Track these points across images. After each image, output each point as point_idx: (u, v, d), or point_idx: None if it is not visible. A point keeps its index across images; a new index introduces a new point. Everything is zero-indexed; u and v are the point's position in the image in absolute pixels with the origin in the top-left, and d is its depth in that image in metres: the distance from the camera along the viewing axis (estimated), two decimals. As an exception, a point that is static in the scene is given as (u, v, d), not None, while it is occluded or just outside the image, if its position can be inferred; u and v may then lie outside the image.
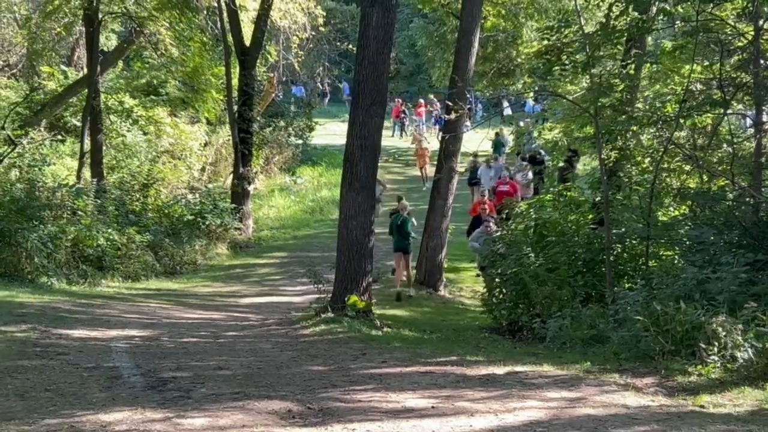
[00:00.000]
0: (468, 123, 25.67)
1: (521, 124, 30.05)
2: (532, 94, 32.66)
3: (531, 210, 16.85)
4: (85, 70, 27.89)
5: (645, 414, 7.12)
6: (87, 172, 23.72)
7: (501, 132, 32.46)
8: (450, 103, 15.68)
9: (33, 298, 15.43)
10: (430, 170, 27.52)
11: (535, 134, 25.70)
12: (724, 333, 8.71)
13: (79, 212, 20.56)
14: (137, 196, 24.41)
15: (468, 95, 20.31)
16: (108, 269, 20.07)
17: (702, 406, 7.40)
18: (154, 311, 15.86)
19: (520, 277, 14.57)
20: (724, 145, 14.35)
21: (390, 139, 39.87)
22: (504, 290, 15.48)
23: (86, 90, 25.31)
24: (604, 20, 14.09)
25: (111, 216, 21.66)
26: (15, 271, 17.83)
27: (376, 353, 10.83)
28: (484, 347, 12.19)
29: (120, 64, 32.47)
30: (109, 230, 20.54)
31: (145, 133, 28.50)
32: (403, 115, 44.17)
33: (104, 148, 24.73)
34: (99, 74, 24.94)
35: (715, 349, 8.68)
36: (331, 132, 40.52)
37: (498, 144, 31.59)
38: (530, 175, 24.79)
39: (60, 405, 7.41)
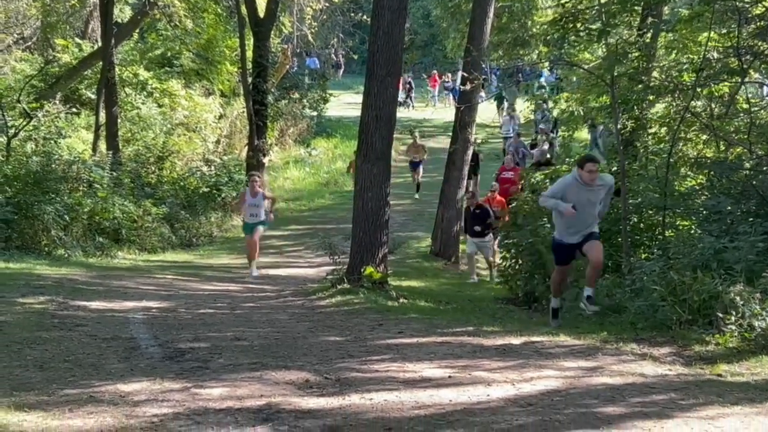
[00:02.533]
0: (483, 94, 25.62)
1: (537, 92, 30.05)
2: (547, 64, 32.50)
3: (547, 181, 16.80)
4: (100, 42, 27.84)
5: (662, 383, 7.11)
6: (102, 145, 23.77)
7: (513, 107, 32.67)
8: (465, 74, 15.61)
9: (50, 270, 15.50)
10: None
11: (551, 104, 25.63)
12: (741, 302, 8.68)
13: (95, 185, 20.62)
14: (152, 168, 24.49)
15: (483, 65, 20.22)
16: (124, 241, 20.16)
17: (719, 375, 7.38)
18: (170, 283, 15.91)
19: (536, 247, 14.54)
20: (742, 114, 14.25)
21: (403, 111, 39.77)
22: (520, 261, 15.46)
23: (101, 62, 25.31)
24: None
25: (127, 188, 21.72)
26: (32, 244, 17.91)
27: (393, 324, 10.83)
28: (500, 318, 12.19)
29: (134, 36, 32.41)
30: (125, 203, 20.61)
31: (159, 106, 28.49)
32: (408, 87, 44.08)
33: (119, 120, 24.72)
34: (113, 47, 24.92)
35: (733, 318, 8.66)
36: (346, 103, 40.45)
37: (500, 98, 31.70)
38: (546, 146, 24.73)
39: (79, 375, 7.44)
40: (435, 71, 47.45)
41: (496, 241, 18.64)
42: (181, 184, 24.52)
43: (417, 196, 27.25)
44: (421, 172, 27.94)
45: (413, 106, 44.08)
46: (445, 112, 39.27)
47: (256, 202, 17.66)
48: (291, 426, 5.91)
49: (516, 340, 9.32)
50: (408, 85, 44.26)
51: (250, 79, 26.66)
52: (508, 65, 33.49)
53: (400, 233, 21.28)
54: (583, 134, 24.93)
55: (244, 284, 16.49)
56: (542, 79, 37.58)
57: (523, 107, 32.95)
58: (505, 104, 35.73)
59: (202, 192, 24.52)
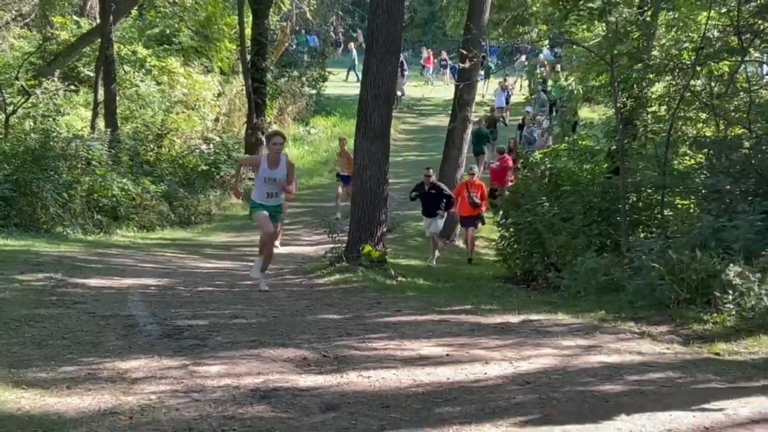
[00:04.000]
0: (482, 72, 25.57)
1: (538, 70, 30.01)
2: (547, 43, 32.41)
3: (546, 159, 16.79)
4: (98, 19, 27.74)
5: (660, 361, 7.12)
6: (101, 123, 23.70)
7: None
8: (464, 52, 15.56)
9: (49, 247, 15.49)
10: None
11: (551, 83, 25.60)
12: (739, 281, 8.69)
13: (94, 162, 20.59)
14: (151, 146, 24.47)
15: (482, 44, 20.15)
16: (123, 219, 20.16)
17: (717, 354, 7.39)
18: (169, 261, 15.91)
19: (535, 226, 14.56)
20: (741, 93, 14.22)
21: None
22: (519, 240, 15.47)
23: (99, 40, 25.21)
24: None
25: (125, 166, 21.70)
26: (31, 221, 17.89)
27: (391, 302, 10.84)
28: (498, 296, 12.20)
29: (133, 13, 32.28)
30: (124, 180, 20.60)
31: (158, 83, 28.41)
32: (402, 68, 43.98)
33: (118, 98, 24.64)
34: (112, 24, 24.80)
35: (731, 297, 8.67)
36: (346, 83, 40.37)
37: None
38: (545, 123, 24.70)
39: (77, 353, 7.44)
40: (430, 51, 47.32)
41: (472, 229, 18.93)
42: (180, 162, 24.50)
43: (339, 215, 20.90)
44: (348, 191, 20.15)
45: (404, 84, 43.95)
46: (443, 90, 39.15)
47: (275, 175, 11.94)
48: (288, 403, 5.92)
49: (514, 319, 9.33)
50: (401, 64, 44.12)
51: (248, 57, 26.60)
52: (507, 44, 33.42)
53: (398, 212, 21.29)
54: (583, 113, 24.88)
55: (242, 262, 16.49)
56: (541, 56, 37.57)
57: (515, 84, 33.19)
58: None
59: (201, 170, 24.51)
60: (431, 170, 18.70)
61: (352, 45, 46.43)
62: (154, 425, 5.43)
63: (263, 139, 25.27)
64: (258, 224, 12.77)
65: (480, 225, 19.54)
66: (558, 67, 32.03)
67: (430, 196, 18.29)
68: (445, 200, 18.21)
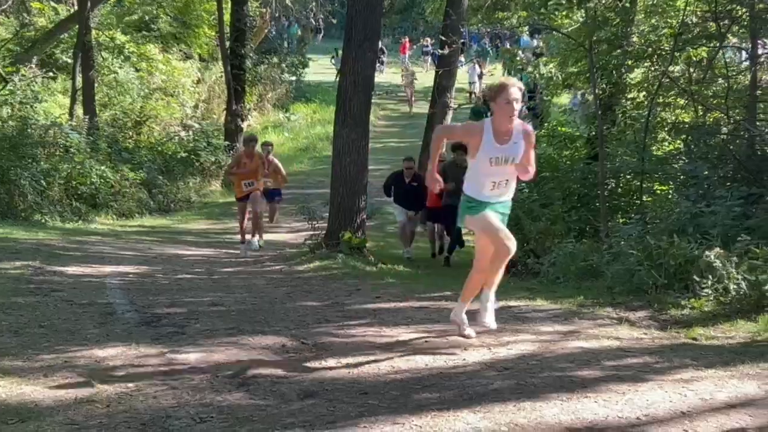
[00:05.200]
0: (462, 58, 25.56)
1: (519, 57, 30.01)
2: (527, 29, 32.42)
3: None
4: (76, 5, 27.54)
5: (637, 347, 7.14)
6: (79, 110, 23.56)
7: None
8: (444, 38, 15.54)
9: (27, 235, 15.41)
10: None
11: (530, 69, 25.57)
12: (717, 266, 8.72)
13: (72, 150, 20.47)
14: (130, 133, 24.37)
15: (462, 29, 20.12)
16: (101, 207, 20.07)
17: (694, 339, 7.42)
18: (148, 248, 15.86)
19: (514, 212, 14.53)
20: (720, 79, 14.26)
21: (381, 75, 39.63)
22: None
23: (77, 26, 25.03)
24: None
25: (104, 154, 21.59)
26: (8, 209, 17.79)
27: (370, 289, 10.84)
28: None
29: (111, -1, 32.12)
30: (103, 168, 20.50)
31: (137, 70, 28.26)
32: (380, 53, 44.00)
33: (96, 85, 24.51)
34: (90, 10, 24.63)
35: (708, 282, 8.69)
36: (325, 68, 40.26)
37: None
38: (524, 110, 24.70)
39: (54, 341, 7.40)
40: (406, 38, 47.31)
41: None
42: (159, 149, 24.41)
43: (261, 243, 16.76)
44: (277, 210, 19.36)
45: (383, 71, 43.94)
46: (422, 77, 39.11)
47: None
48: (267, 390, 5.91)
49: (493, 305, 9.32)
50: (381, 51, 44.12)
51: (228, 44, 26.48)
52: (487, 29, 33.50)
53: (378, 198, 21.25)
54: (563, 99, 24.91)
55: (222, 249, 16.45)
56: (521, 44, 37.72)
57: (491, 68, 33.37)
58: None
59: (180, 157, 24.42)
60: (413, 160, 17.18)
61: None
62: (131, 413, 5.41)
63: (242, 126, 25.20)
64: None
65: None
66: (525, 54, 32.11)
67: (410, 190, 16.35)
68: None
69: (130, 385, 6.00)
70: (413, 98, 32.89)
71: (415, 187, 16.09)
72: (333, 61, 41.35)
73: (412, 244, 16.95)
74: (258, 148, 16.72)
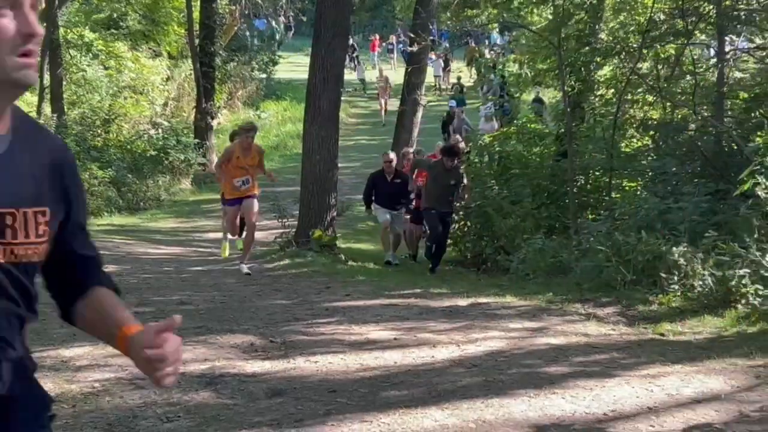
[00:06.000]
0: (432, 55, 25.59)
1: (487, 56, 30.14)
2: (497, 26, 32.51)
3: (495, 143, 16.82)
4: (43, 3, 27.30)
5: (605, 342, 7.18)
6: (47, 108, 23.35)
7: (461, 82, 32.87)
8: (413, 35, 15.53)
9: (-7, 235, 15.25)
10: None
11: (500, 66, 25.67)
12: (684, 262, 8.78)
13: (40, 148, 20.28)
14: (99, 131, 24.12)
15: (431, 27, 20.13)
16: (70, 206, 19.90)
17: (662, 335, 7.47)
18: (116, 247, 15.74)
19: (484, 209, 14.57)
20: (687, 76, 14.35)
21: (352, 73, 39.63)
22: (468, 223, 15.49)
23: (45, 24, 24.83)
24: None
25: (72, 152, 21.39)
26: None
27: (340, 286, 10.83)
28: (448, 280, 12.23)
29: (79, -4, 31.87)
30: (71, 166, 20.33)
31: (105, 68, 28.05)
32: (353, 50, 44.03)
33: (64, 83, 24.29)
34: (57, 7, 24.42)
35: (676, 278, 8.75)
36: (296, 66, 40.14)
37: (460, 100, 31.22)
38: (492, 108, 24.79)
39: (20, 341, 7.34)
40: (376, 35, 47.33)
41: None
42: (128, 147, 24.21)
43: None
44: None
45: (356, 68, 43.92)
46: (393, 74, 39.12)
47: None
48: (234, 389, 5.89)
49: (463, 302, 9.35)
50: (353, 48, 44.15)
51: (197, 41, 26.35)
52: (457, 27, 33.56)
53: (349, 196, 21.20)
54: (532, 97, 25.01)
55: (191, 248, 16.37)
56: (492, 41, 37.93)
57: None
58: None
59: (150, 155, 24.24)
60: (392, 154, 15.54)
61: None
62: (98, 413, 5.38)
63: (212, 124, 25.09)
64: None
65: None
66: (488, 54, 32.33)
67: (394, 188, 14.78)
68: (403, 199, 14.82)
69: (97, 385, 5.96)
70: (387, 106, 32.50)
71: (399, 184, 14.73)
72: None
73: (397, 248, 15.22)
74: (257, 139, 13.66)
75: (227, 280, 11.67)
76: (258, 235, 18.07)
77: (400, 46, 42.47)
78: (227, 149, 13.55)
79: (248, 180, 12.55)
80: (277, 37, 42.86)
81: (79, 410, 5.42)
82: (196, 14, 26.49)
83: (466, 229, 15.58)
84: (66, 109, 23.73)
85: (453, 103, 28.08)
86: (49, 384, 5.92)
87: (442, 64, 38.76)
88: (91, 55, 28.14)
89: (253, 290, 10.61)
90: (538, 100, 23.80)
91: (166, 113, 29.47)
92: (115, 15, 30.76)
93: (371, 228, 19.70)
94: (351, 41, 43.67)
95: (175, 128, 26.34)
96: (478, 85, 28.03)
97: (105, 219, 20.21)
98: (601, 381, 5.94)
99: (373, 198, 15.00)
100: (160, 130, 26.08)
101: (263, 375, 6.25)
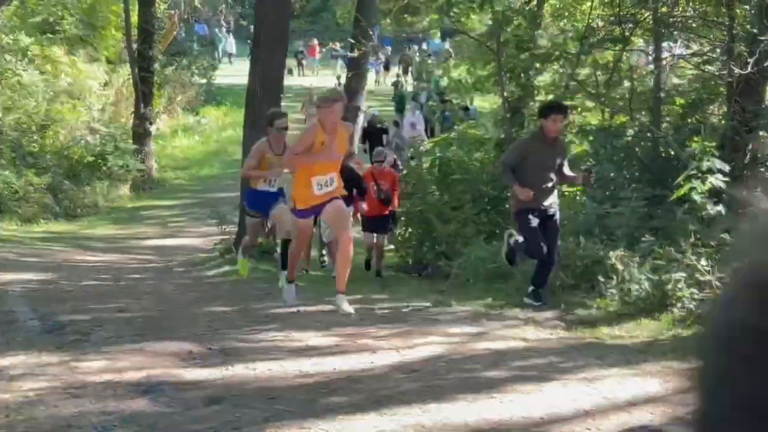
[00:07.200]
0: (372, 61, 25.58)
1: (430, 60, 30.25)
2: (438, 33, 32.68)
3: (436, 149, 16.86)
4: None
5: (543, 347, 7.23)
6: (-19, 114, 22.99)
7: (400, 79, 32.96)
8: (353, 41, 15.52)
9: (-74, 243, 14.99)
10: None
11: (439, 72, 25.70)
12: (622, 267, 8.86)
13: (-26, 154, 19.98)
14: (35, 137, 23.79)
15: (372, 33, 20.13)
16: (5, 212, 19.58)
17: (599, 339, 7.53)
18: (53, 254, 15.54)
19: (425, 215, 14.60)
20: (625, 82, 14.50)
21: (293, 78, 39.54)
22: (410, 229, 15.51)
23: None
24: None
25: (7, 158, 21.08)
26: None
27: (281, 293, 10.75)
28: (389, 285, 12.22)
29: (14, 1, 31.34)
30: (6, 173, 20.03)
31: (42, 73, 27.65)
32: (300, 56, 44.09)
33: (-1, 87, 23.96)
34: (-8, 12, 24.07)
35: (614, 282, 8.83)
36: (236, 71, 39.95)
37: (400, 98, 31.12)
38: (417, 114, 24.92)
39: (-47, 350, 7.21)
40: (315, 41, 47.37)
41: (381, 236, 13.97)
42: (65, 153, 23.93)
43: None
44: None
45: (303, 74, 43.90)
46: (332, 79, 39.14)
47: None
48: (172, 397, 5.82)
49: (403, 308, 9.34)
50: (301, 54, 44.20)
51: (135, 46, 26.11)
52: (397, 32, 33.72)
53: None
54: (478, 102, 25.09)
55: (129, 255, 16.18)
56: (428, 46, 38.20)
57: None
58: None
59: (87, 161, 23.98)
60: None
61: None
62: (31, 422, 5.29)
63: (151, 130, 24.81)
64: None
65: (392, 229, 14.56)
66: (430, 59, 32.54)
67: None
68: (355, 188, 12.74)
69: (31, 394, 5.86)
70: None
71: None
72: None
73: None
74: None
75: (166, 288, 11.57)
76: (197, 241, 18.04)
77: (342, 51, 42.61)
78: (257, 148, 10.20)
79: (333, 178, 8.62)
80: (220, 47, 42.71)
81: (13, 420, 5.32)
82: (134, 18, 26.26)
83: (407, 234, 15.61)
84: (1, 115, 23.35)
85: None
86: (-19, 394, 5.82)
87: (382, 69, 39.75)
88: (26, 59, 27.72)
89: (192, 297, 10.52)
90: (464, 108, 23.94)
91: (104, 119, 29.11)
92: (51, 19, 30.35)
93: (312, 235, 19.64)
94: (299, 47, 43.91)
95: (113, 134, 26.05)
96: (417, 91, 28.10)
97: (41, 226, 19.93)
98: (539, 385, 5.97)
99: None
100: (97, 136, 25.77)
101: (201, 383, 6.19)
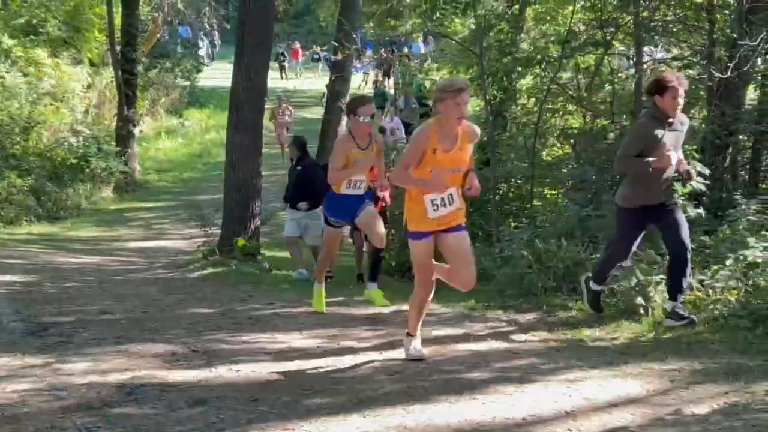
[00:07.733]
0: (357, 64, 25.64)
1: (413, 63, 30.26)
2: (421, 36, 32.72)
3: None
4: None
5: (525, 348, 7.28)
6: (-36, 115, 22.91)
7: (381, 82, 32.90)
8: (337, 44, 15.57)
9: None
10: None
11: (421, 75, 25.79)
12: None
13: (-44, 156, 19.92)
14: (17, 139, 23.71)
15: (355, 36, 20.18)
16: (-13, 214, 19.55)
17: (581, 340, 7.58)
18: (36, 256, 15.51)
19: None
20: (606, 85, 14.60)
21: (278, 81, 39.58)
22: (392, 231, 15.54)
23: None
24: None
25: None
26: None
27: (264, 295, 10.79)
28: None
29: (-3, 3, 31.25)
30: (-12, 175, 19.98)
31: (25, 75, 27.56)
32: (282, 58, 44.12)
33: (-19, 90, 23.88)
34: (-26, 14, 23.99)
35: (595, 284, 8.87)
36: (220, 73, 39.93)
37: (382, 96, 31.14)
38: (396, 119, 24.99)
39: (-65, 353, 7.21)
40: (297, 44, 47.43)
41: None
42: (48, 155, 23.87)
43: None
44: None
45: (287, 76, 43.93)
46: (318, 82, 39.15)
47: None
48: (155, 399, 5.85)
49: (386, 310, 9.38)
50: (282, 56, 44.24)
51: (118, 48, 26.07)
52: (381, 36, 33.74)
53: (274, 204, 21.15)
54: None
55: (113, 257, 16.17)
56: (411, 49, 38.14)
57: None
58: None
59: (70, 163, 23.93)
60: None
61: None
62: (15, 425, 5.30)
63: (135, 132, 24.73)
64: None
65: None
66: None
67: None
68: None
69: (14, 396, 5.88)
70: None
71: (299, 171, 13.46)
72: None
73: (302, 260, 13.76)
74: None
75: (149, 290, 11.55)
76: (181, 243, 18.05)
77: (325, 54, 42.66)
78: (339, 145, 8.83)
79: (452, 196, 7.04)
80: (201, 52, 42.70)
81: (-4, 422, 5.33)
82: (117, 21, 26.21)
83: (390, 237, 15.63)
84: (-17, 117, 23.29)
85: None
86: (-36, 396, 5.83)
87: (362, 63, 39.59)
88: (9, 61, 27.63)
89: (175, 299, 10.52)
90: None
91: (87, 121, 29.04)
92: (34, 21, 30.24)
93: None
94: (281, 49, 43.94)
95: (96, 136, 26.01)
96: (398, 94, 28.14)
97: (24, 228, 19.89)
98: (521, 386, 6.03)
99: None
100: (80, 138, 25.72)
101: (185, 384, 6.22)
